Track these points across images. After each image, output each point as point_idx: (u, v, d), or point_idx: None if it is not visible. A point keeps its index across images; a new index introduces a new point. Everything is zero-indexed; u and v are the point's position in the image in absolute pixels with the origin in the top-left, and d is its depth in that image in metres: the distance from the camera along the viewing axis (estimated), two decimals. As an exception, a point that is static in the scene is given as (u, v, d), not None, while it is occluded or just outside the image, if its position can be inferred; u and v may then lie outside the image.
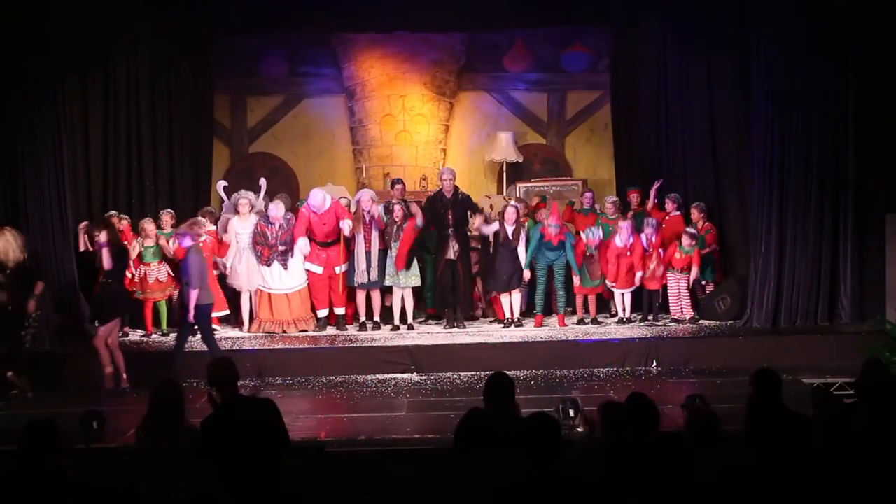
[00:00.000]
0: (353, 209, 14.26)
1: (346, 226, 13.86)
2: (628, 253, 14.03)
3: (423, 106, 17.11)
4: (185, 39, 15.60)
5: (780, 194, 13.49)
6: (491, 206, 15.46)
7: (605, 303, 14.87)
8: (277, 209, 14.04)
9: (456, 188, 14.20)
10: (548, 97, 17.55)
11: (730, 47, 14.39)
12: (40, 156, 13.38)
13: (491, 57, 17.38)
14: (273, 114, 17.43)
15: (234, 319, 14.54)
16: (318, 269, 14.09)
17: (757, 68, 13.62)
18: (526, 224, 14.23)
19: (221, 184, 14.96)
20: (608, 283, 14.25)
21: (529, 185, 16.34)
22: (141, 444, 6.92)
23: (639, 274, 14.05)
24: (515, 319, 14.20)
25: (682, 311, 14.21)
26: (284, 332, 13.94)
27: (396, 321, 14.22)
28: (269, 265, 13.96)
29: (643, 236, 14.10)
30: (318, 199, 13.97)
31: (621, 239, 14.02)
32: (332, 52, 17.13)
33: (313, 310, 14.29)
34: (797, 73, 13.36)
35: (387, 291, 14.40)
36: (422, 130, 17.15)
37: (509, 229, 13.98)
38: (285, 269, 14.03)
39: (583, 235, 14.20)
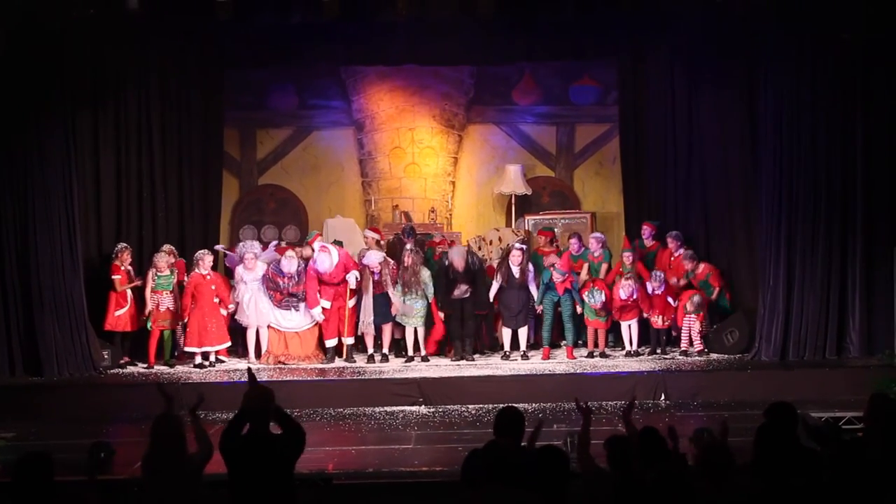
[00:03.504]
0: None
1: (352, 278, 14.06)
2: (630, 302, 14.13)
3: (432, 138, 17.14)
4: (195, 73, 15.68)
5: (788, 228, 13.49)
6: (500, 239, 15.50)
7: (615, 333, 14.85)
8: (290, 265, 14.09)
9: (468, 258, 14.20)
10: (556, 130, 17.58)
11: (738, 79, 14.44)
12: (50, 186, 13.47)
13: (500, 90, 17.43)
14: (282, 146, 17.49)
15: (240, 352, 14.60)
16: (328, 304, 14.15)
17: (765, 101, 13.67)
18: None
19: (220, 248, 15.05)
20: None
21: (538, 217, 16.36)
22: (145, 478, 6.92)
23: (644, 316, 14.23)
24: (522, 352, 14.22)
25: (691, 343, 14.20)
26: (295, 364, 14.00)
27: (411, 352, 14.30)
28: (280, 308, 14.06)
29: (649, 286, 14.16)
30: (326, 265, 14.08)
31: (624, 293, 14.06)
32: (341, 85, 17.19)
33: (321, 343, 14.33)
34: (805, 105, 13.39)
35: (397, 324, 14.45)
36: (431, 163, 17.18)
37: (515, 270, 14.05)
38: (297, 310, 14.14)
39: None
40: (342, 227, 15.91)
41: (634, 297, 14.03)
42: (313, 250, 14.28)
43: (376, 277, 14.10)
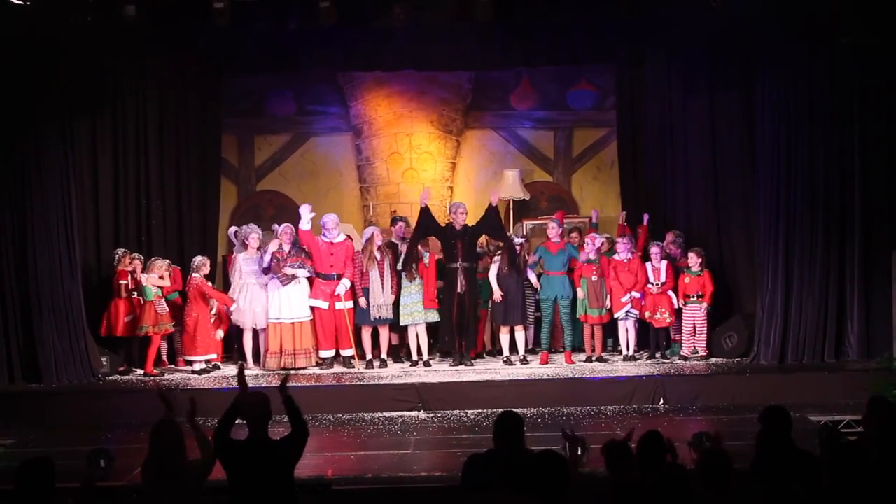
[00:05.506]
0: (359, 247, 14.38)
1: (342, 288, 14.08)
2: (626, 269, 14.14)
3: (430, 144, 17.16)
4: (193, 79, 15.70)
5: (786, 231, 13.52)
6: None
7: (613, 337, 14.85)
8: (286, 230, 14.21)
9: (465, 225, 14.27)
10: (554, 135, 17.60)
11: (734, 84, 14.46)
12: (48, 193, 13.48)
13: (497, 95, 17.45)
14: (281, 152, 17.50)
15: (236, 359, 14.59)
16: (324, 304, 14.12)
17: (762, 105, 13.69)
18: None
19: (232, 230, 14.99)
20: (608, 304, 14.27)
21: (536, 222, 16.37)
22: (145, 484, 6.92)
23: (634, 294, 14.15)
24: (521, 357, 14.21)
25: (695, 347, 14.20)
26: (293, 366, 13.93)
27: (415, 357, 14.29)
28: (282, 282, 13.99)
29: (648, 266, 14.18)
30: (334, 233, 14.24)
31: (620, 255, 14.15)
32: (339, 91, 17.20)
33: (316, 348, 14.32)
34: (802, 110, 13.43)
35: (393, 330, 14.45)
36: (429, 168, 17.19)
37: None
38: (297, 281, 14.08)
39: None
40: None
41: (630, 256, 14.17)
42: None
43: (378, 255, 14.10)
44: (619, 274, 14.14)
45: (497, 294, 14.12)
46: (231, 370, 14.20)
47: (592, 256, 14.20)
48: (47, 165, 13.49)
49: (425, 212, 14.20)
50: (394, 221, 14.82)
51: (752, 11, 13.43)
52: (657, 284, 14.15)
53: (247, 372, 13.41)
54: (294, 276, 14.02)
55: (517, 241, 14.41)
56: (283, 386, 6.92)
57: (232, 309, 14.19)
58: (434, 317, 14.22)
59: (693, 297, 14.12)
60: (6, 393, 13.12)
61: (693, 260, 14.13)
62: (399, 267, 14.09)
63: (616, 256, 14.24)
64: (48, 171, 13.49)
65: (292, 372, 13.78)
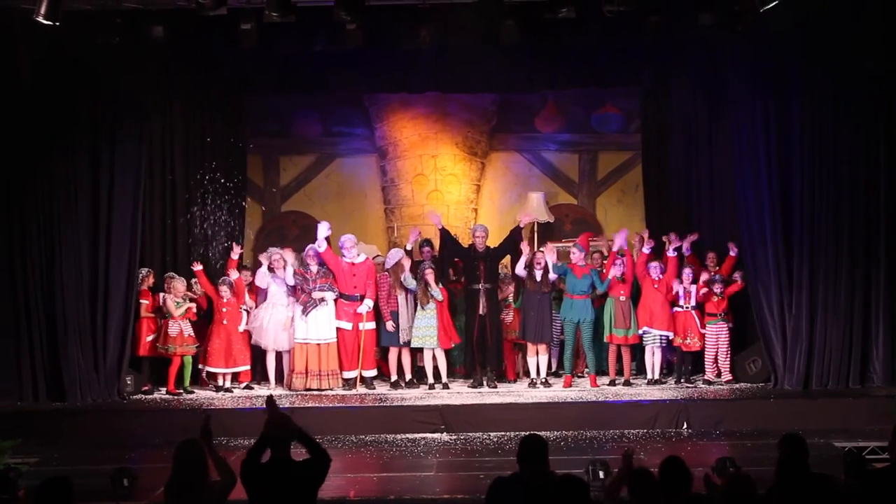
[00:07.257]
0: (387, 265, 14.48)
1: (364, 308, 14.17)
2: (655, 285, 14.16)
3: (455, 166, 17.16)
4: (219, 99, 15.79)
5: (810, 255, 13.47)
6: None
7: (639, 360, 14.81)
8: (311, 251, 14.32)
9: (487, 246, 14.32)
10: (579, 158, 17.58)
11: (759, 106, 14.37)
12: (75, 213, 13.60)
13: (523, 118, 17.43)
14: (306, 173, 17.52)
15: (259, 378, 14.64)
16: (348, 326, 14.19)
17: (786, 127, 13.66)
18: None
19: (261, 256, 15.05)
20: (640, 331, 14.24)
21: (560, 245, 16.34)
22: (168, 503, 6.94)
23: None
24: (543, 379, 14.18)
25: (719, 371, 14.15)
26: (318, 388, 13.98)
27: (431, 380, 14.24)
28: (305, 313, 14.03)
29: (681, 287, 14.19)
30: (353, 253, 14.39)
31: (654, 273, 14.13)
32: (364, 113, 17.23)
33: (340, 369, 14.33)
34: (828, 133, 13.40)
35: (418, 351, 14.45)
36: (453, 190, 17.19)
37: (538, 274, 14.07)
38: (324, 303, 14.14)
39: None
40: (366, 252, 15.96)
41: (661, 277, 14.16)
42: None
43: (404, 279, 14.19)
44: (652, 294, 14.16)
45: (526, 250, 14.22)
46: (258, 390, 14.23)
47: (619, 275, 14.21)
48: (74, 185, 13.60)
49: (446, 233, 14.30)
50: (421, 247, 14.83)
51: (778, 35, 13.43)
52: (686, 307, 14.13)
53: (269, 393, 13.52)
54: (322, 300, 14.08)
55: (541, 250, 14.49)
56: (271, 402, 6.90)
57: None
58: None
59: (718, 315, 14.08)
60: (31, 411, 13.19)
61: (717, 289, 14.10)
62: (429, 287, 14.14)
63: (651, 275, 14.24)
64: (75, 190, 13.60)
65: (316, 392, 13.83)
